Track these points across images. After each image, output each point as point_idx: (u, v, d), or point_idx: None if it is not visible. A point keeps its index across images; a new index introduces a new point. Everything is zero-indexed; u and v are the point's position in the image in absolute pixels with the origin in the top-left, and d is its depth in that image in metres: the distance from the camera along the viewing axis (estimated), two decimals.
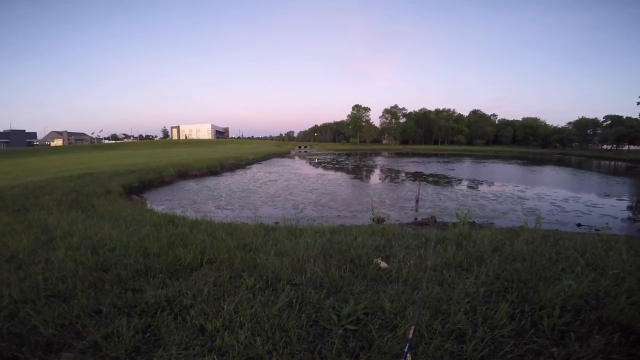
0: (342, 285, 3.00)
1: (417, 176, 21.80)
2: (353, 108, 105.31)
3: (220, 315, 2.44)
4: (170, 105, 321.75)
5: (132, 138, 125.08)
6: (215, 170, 22.92)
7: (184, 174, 19.67)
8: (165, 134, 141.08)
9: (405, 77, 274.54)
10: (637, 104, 55.68)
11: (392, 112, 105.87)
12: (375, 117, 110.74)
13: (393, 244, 4.43)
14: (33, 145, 76.37)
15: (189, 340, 2.19)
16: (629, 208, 13.38)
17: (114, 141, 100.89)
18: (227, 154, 35.07)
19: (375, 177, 23.53)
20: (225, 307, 2.53)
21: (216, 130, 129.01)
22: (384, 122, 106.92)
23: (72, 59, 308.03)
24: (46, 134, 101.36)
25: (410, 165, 32.84)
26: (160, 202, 12.50)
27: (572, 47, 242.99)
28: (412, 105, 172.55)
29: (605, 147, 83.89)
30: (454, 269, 3.46)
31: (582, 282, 2.82)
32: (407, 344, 1.43)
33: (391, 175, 24.85)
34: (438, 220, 9.08)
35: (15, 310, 2.53)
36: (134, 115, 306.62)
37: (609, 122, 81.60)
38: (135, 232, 4.90)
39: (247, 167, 28.33)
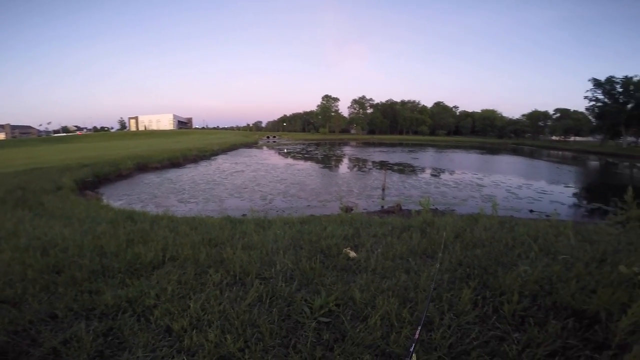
0: (313, 276, 2.98)
1: (383, 165, 22.29)
2: (323, 98, 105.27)
3: (187, 314, 2.37)
4: (128, 95, 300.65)
5: (85, 130, 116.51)
6: (177, 162, 22.05)
7: (144, 166, 18.74)
8: (123, 125, 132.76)
9: (374, 68, 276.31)
10: (584, 98, 60.35)
11: (360, 103, 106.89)
12: (344, 108, 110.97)
13: (361, 233, 4.47)
14: None
15: (155, 341, 2.12)
16: (575, 195, 14.60)
17: (65, 134, 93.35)
18: (191, 144, 33.79)
19: (344, 167, 23.80)
20: (191, 305, 2.46)
21: (178, 121, 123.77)
22: (353, 113, 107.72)
23: (13, 47, 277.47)
24: None
25: (377, 155, 33.54)
26: (117, 197, 11.86)
27: (528, 43, 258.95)
28: (379, 96, 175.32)
29: (554, 138, 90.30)
30: (419, 256, 3.55)
31: (537, 268, 2.97)
32: (413, 344, 1.43)
33: (359, 164, 25.25)
34: (403, 207, 9.36)
35: None
36: (88, 106, 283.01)
37: (558, 114, 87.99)
38: (90, 230, 4.66)
39: (212, 158, 27.51)
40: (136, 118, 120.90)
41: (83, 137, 65.93)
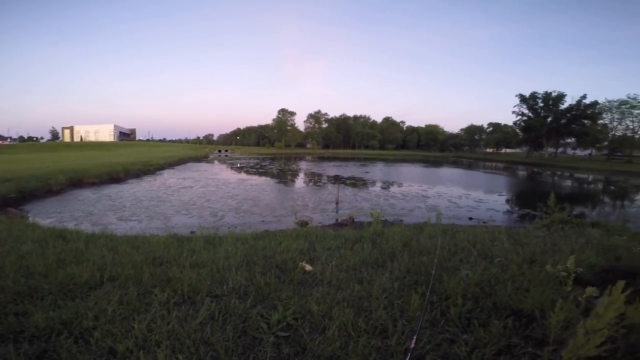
0: (268, 292, 2.95)
1: (336, 179, 22.74)
2: (279, 112, 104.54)
3: (132, 335, 2.26)
4: (62, 103, 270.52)
5: (9, 140, 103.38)
6: (117, 176, 20.37)
7: (78, 181, 17.04)
8: (55, 135, 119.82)
9: (329, 84, 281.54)
10: (512, 113, 67.16)
11: (315, 117, 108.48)
12: (300, 122, 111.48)
13: (316, 246, 4.51)
14: None
15: None
16: (507, 202, 16.13)
17: None
18: (133, 158, 31.56)
19: (299, 181, 23.82)
20: (136, 326, 2.35)
21: (120, 132, 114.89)
22: (308, 127, 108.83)
23: None
24: None
25: (331, 169, 34.13)
26: (46, 215, 10.63)
27: (467, 60, 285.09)
28: (334, 111, 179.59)
29: (488, 150, 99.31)
30: (370, 266, 3.67)
31: (477, 271, 3.22)
32: (409, 354, 1.45)
33: (314, 179, 25.47)
34: (355, 220, 9.58)
35: None
36: (13, 113, 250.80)
37: (491, 128, 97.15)
38: (12, 250, 4.25)
39: (157, 172, 25.88)
40: (71, 128, 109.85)
41: (6, 147, 58.24)
